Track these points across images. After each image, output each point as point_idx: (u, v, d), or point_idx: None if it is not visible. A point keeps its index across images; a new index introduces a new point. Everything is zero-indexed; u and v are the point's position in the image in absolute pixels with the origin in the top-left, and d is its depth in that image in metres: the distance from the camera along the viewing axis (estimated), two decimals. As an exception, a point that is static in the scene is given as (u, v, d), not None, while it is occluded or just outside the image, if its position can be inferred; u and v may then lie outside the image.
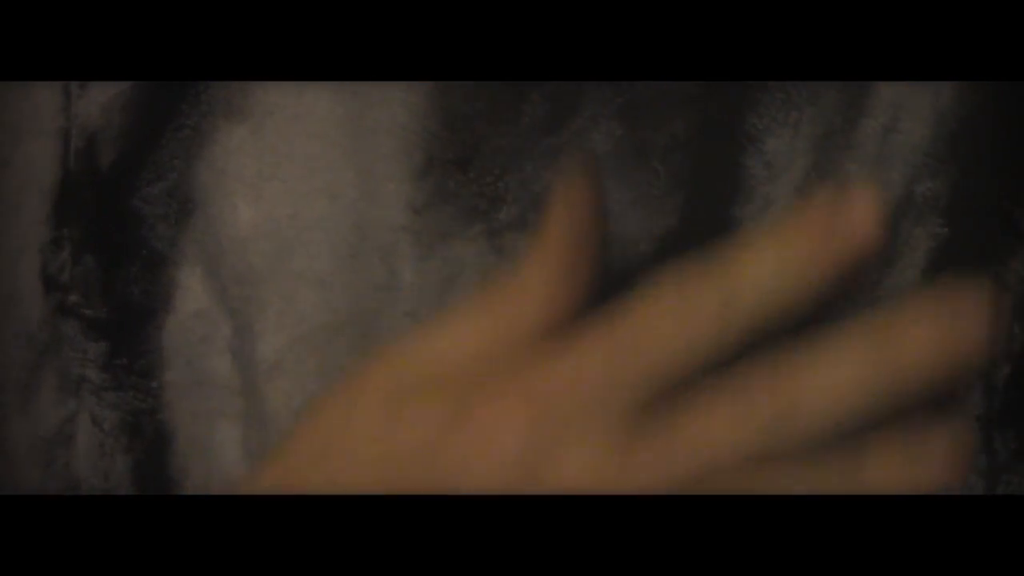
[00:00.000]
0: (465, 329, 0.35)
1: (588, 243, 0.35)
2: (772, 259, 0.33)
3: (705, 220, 0.36)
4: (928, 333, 0.32)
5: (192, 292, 0.42)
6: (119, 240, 0.42)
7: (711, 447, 0.32)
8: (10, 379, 0.45)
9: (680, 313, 0.33)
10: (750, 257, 0.33)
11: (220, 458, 0.41)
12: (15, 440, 0.45)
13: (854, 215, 0.32)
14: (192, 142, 0.41)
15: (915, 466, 0.32)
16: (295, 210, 0.40)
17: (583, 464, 0.32)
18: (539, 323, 0.34)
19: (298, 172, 0.40)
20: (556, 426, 0.32)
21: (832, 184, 0.36)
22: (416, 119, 0.39)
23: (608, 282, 0.36)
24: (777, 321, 0.33)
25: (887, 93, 0.35)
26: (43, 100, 0.44)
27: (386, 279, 0.39)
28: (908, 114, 0.35)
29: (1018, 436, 0.35)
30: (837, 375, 0.32)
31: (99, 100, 0.43)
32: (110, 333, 0.43)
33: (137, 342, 0.42)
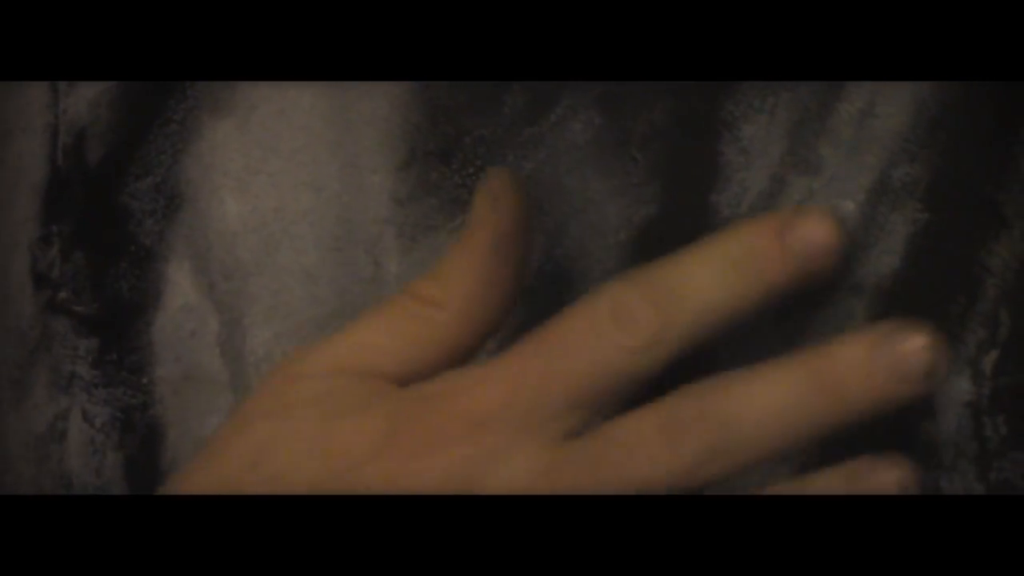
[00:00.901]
0: (389, 339, 0.34)
1: (514, 250, 0.34)
2: (715, 272, 0.32)
3: (684, 207, 0.37)
4: (867, 368, 0.31)
5: (181, 287, 0.42)
6: (108, 236, 0.43)
7: (637, 482, 0.31)
8: (2, 376, 0.45)
9: (616, 328, 0.32)
10: (692, 269, 0.32)
11: (210, 453, 0.42)
12: (7, 437, 0.45)
13: (807, 233, 0.32)
14: (179, 137, 0.42)
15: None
16: (281, 203, 0.41)
17: (510, 488, 0.32)
18: (464, 334, 0.34)
19: (283, 166, 0.41)
20: (484, 450, 0.32)
21: (788, 205, 0.36)
22: (399, 112, 0.39)
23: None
24: (715, 337, 0.32)
25: (864, 77, 0.36)
26: (31, 97, 0.44)
27: (371, 271, 0.40)
28: (885, 98, 0.35)
29: (1008, 422, 0.35)
30: (770, 403, 0.31)
31: (86, 97, 0.44)
32: (100, 329, 0.44)
33: (127, 338, 0.43)
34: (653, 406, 0.32)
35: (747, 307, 0.32)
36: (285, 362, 0.35)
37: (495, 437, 0.32)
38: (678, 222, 0.36)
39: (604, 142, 0.37)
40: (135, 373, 0.43)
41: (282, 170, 0.41)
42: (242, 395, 0.42)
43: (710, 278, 0.32)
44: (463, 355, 0.34)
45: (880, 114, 0.35)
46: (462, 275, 0.34)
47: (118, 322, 0.43)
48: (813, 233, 0.32)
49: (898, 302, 0.35)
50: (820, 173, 0.36)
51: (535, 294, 0.38)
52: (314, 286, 0.40)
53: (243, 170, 0.41)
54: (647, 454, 0.31)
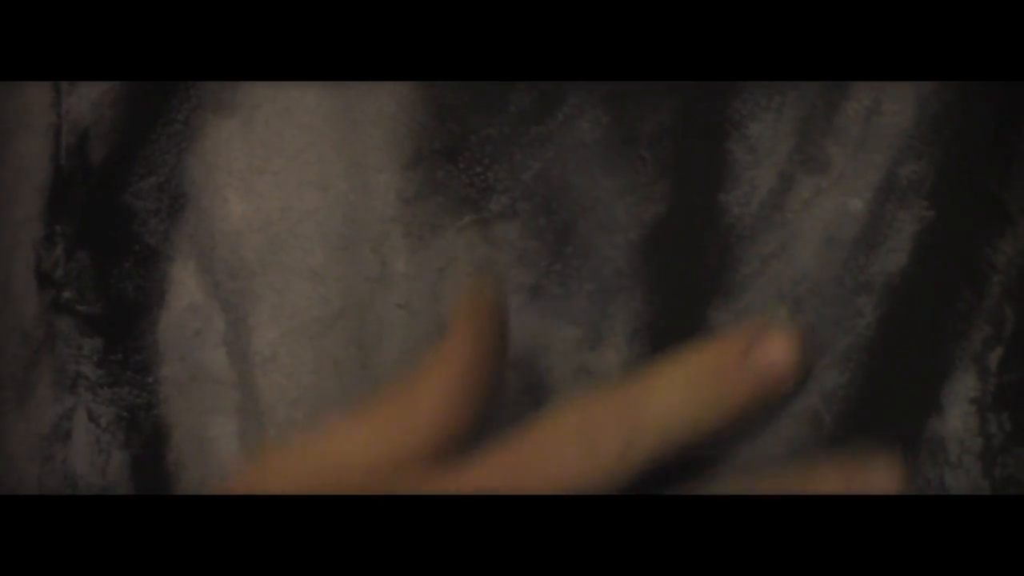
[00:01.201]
0: (360, 440, 0.35)
1: (490, 360, 0.35)
2: (681, 390, 0.33)
3: (693, 206, 0.37)
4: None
5: (185, 287, 0.42)
6: (112, 236, 0.43)
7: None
8: (6, 376, 0.45)
9: (582, 443, 0.33)
10: (658, 386, 0.33)
11: (217, 452, 0.42)
12: (12, 437, 0.45)
13: (769, 355, 0.33)
14: (182, 137, 0.42)
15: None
16: (286, 203, 0.41)
17: None
18: (434, 441, 0.34)
19: (288, 165, 0.41)
20: None
21: (752, 321, 0.36)
22: (404, 110, 0.40)
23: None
24: (681, 452, 0.33)
25: (870, 76, 0.36)
26: (33, 97, 0.44)
27: (378, 270, 0.40)
28: (891, 96, 0.36)
29: (1013, 418, 0.35)
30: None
31: (89, 96, 0.44)
32: (105, 329, 0.44)
33: (132, 338, 0.43)
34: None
35: (710, 425, 0.33)
36: (256, 458, 0.36)
37: None
38: (687, 221, 0.37)
39: (612, 141, 0.38)
40: (140, 373, 0.43)
41: (287, 169, 0.41)
42: (248, 394, 0.42)
43: (675, 398, 0.33)
44: (432, 456, 0.34)
45: (886, 112, 0.36)
46: (436, 389, 0.35)
47: (123, 322, 0.43)
48: (775, 356, 0.33)
49: (906, 299, 0.36)
50: (828, 171, 0.36)
51: (544, 293, 0.38)
52: (320, 285, 0.41)
53: (247, 169, 0.41)
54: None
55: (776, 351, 0.33)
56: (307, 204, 0.41)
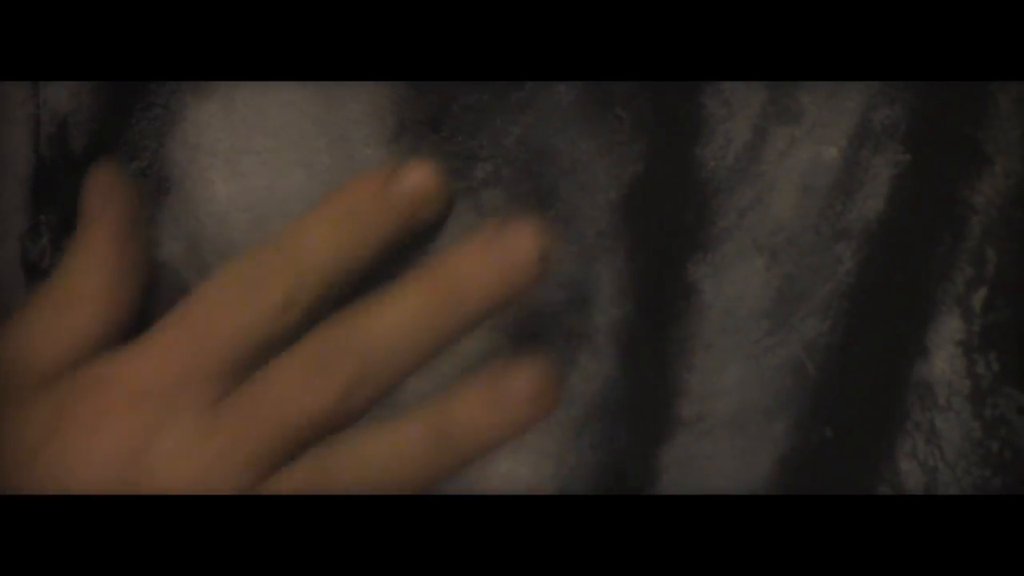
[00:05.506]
0: (37, 337, 0.38)
1: (131, 242, 0.39)
2: (328, 232, 0.37)
3: (670, 162, 0.39)
4: (481, 267, 0.36)
5: (174, 271, 0.43)
6: (98, 223, 0.45)
7: (292, 419, 0.36)
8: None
9: (248, 299, 0.37)
10: (307, 233, 0.37)
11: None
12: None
13: (406, 186, 0.37)
14: (163, 120, 0.44)
15: (499, 409, 0.36)
16: (271, 181, 0.42)
17: (176, 453, 0.36)
18: (102, 322, 0.38)
19: (271, 143, 0.42)
20: (144, 422, 0.36)
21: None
22: (385, 82, 0.41)
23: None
24: (344, 289, 0.37)
25: (840, 25, 0.38)
26: (10, 88, 0.46)
27: (365, 244, 0.42)
28: (861, 44, 0.37)
29: (1000, 358, 0.37)
30: (401, 322, 0.36)
31: (67, 85, 0.45)
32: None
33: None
34: (296, 347, 0.36)
35: (366, 255, 0.37)
36: None
37: (153, 408, 0.36)
38: (666, 177, 0.38)
39: (588, 102, 0.39)
40: (132, 359, 0.45)
41: (270, 148, 0.42)
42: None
43: (325, 236, 0.37)
44: (108, 339, 0.38)
45: (857, 60, 0.37)
46: (87, 270, 0.39)
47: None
48: (413, 182, 0.37)
49: (885, 245, 0.37)
50: (801, 121, 0.38)
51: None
52: (308, 262, 0.42)
53: (230, 150, 0.43)
54: (299, 392, 0.36)
55: (413, 179, 0.37)
56: (292, 182, 0.42)
